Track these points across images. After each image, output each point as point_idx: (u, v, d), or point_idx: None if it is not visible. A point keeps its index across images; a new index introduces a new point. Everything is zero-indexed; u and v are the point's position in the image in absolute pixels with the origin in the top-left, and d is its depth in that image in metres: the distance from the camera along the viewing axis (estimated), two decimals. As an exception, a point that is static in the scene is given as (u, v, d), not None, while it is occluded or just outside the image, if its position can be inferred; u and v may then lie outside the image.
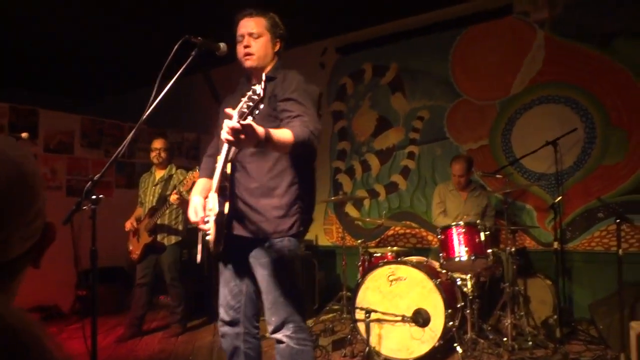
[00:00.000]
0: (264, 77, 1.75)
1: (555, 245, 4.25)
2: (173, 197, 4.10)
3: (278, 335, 2.20)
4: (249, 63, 2.23)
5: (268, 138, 1.77)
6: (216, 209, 2.04)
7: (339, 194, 5.94)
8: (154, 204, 4.48)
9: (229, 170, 2.10)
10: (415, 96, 5.62)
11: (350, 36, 6.06)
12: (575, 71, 4.68)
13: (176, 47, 1.99)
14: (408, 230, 5.62)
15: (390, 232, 5.76)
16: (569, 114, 4.72)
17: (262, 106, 1.68)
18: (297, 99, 2.11)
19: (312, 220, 2.30)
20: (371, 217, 5.65)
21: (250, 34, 2.22)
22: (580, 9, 4.67)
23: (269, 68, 2.28)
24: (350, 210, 6.03)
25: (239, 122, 1.66)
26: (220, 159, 2.04)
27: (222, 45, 2.23)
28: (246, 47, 2.23)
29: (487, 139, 5.16)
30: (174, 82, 2.04)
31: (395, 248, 4.57)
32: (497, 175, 4.60)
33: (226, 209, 2.05)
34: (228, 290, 2.32)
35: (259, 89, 1.68)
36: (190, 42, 2.06)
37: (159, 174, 4.64)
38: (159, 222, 4.40)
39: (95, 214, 2.01)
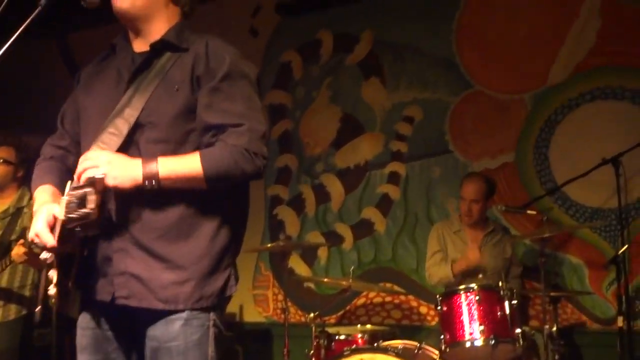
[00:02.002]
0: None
1: (619, 322, 4.29)
2: (17, 251, 3.93)
3: None
4: (118, 3, 2.21)
5: (154, 182, 2.02)
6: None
7: (278, 239, 5.84)
8: None
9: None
10: (401, 84, 5.65)
11: (299, -13, 6.08)
12: (647, 51, 4.84)
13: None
14: (389, 298, 5.60)
15: (361, 301, 5.71)
16: (637, 116, 4.84)
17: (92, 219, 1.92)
18: (227, 91, 2.15)
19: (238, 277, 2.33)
20: (331, 277, 5.60)
21: None
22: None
23: (160, 25, 2.29)
24: (297, 264, 5.97)
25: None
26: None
27: (93, -9, 2.20)
28: None
29: (512, 154, 5.22)
30: (9, 48, 1.98)
31: (368, 326, 4.56)
32: (529, 211, 4.65)
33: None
34: None
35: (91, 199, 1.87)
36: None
37: (1, 203, 4.46)
38: None
39: None
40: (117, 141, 2.11)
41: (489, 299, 3.83)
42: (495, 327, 3.76)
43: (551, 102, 5.12)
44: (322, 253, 5.87)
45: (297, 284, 5.87)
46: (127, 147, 2.12)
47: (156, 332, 2.15)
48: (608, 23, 4.96)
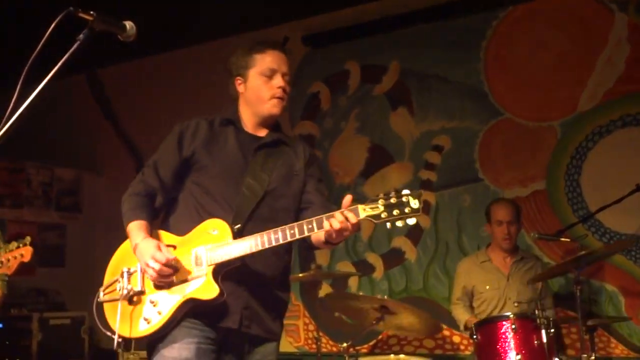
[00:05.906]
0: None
1: (658, 351, 4.22)
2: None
3: None
4: (276, 110, 2.78)
5: None
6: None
7: (309, 269, 5.83)
8: None
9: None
10: (429, 114, 5.66)
11: (326, 19, 6.09)
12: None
13: (54, 24, 1.97)
14: (421, 327, 5.52)
15: (393, 330, 5.62)
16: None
17: (412, 222, 2.33)
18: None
19: None
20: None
21: (285, 75, 2.79)
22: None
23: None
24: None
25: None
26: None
27: (129, 25, 2.19)
28: (280, 87, 2.76)
29: (543, 181, 5.19)
30: (47, 83, 1.98)
31: (402, 356, 4.51)
32: (562, 239, 4.60)
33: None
34: None
35: (414, 202, 2.29)
36: (76, 18, 2.04)
37: None
38: None
39: None
40: (255, 201, 2.64)
41: (526, 327, 3.80)
42: (532, 357, 3.73)
43: (581, 129, 5.10)
44: (353, 282, 5.85)
45: (328, 314, 5.80)
46: (258, 206, 2.64)
47: (262, 350, 2.72)
48: (636, 50, 4.94)
